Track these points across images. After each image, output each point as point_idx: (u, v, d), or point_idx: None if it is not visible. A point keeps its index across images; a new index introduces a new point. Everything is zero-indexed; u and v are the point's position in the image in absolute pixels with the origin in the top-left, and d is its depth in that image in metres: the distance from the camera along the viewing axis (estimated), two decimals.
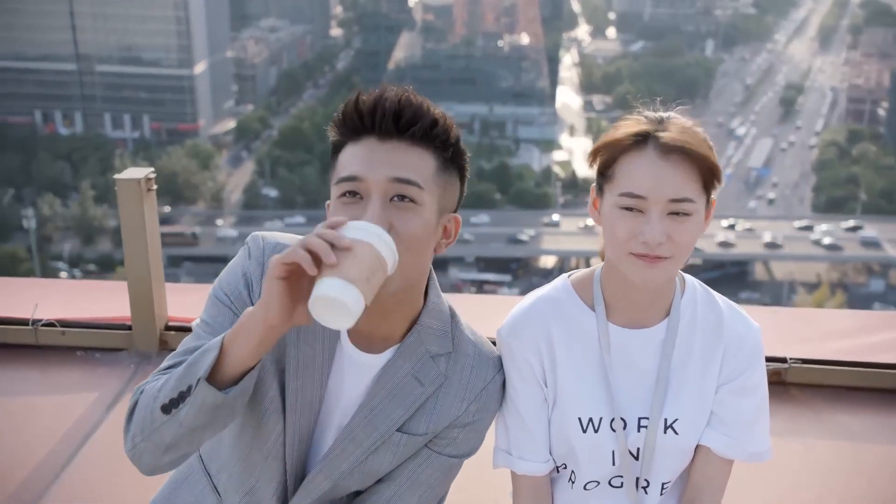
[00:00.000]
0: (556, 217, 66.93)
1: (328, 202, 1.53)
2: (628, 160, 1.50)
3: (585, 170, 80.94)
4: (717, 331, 1.64)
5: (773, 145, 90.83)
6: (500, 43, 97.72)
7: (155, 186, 2.65)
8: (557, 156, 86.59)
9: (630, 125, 1.56)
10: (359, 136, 1.47)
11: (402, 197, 1.43)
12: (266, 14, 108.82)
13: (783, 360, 2.75)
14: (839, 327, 3.09)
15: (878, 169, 72.84)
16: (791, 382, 2.75)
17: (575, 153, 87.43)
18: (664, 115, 1.57)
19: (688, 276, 1.71)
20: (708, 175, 1.51)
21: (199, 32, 79.81)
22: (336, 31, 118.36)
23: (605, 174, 1.56)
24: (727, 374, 1.64)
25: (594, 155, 1.62)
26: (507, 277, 61.05)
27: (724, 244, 59.59)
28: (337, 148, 1.51)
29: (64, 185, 60.28)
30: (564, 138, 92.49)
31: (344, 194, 1.44)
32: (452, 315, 1.65)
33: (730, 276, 61.63)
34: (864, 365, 2.77)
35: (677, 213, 1.45)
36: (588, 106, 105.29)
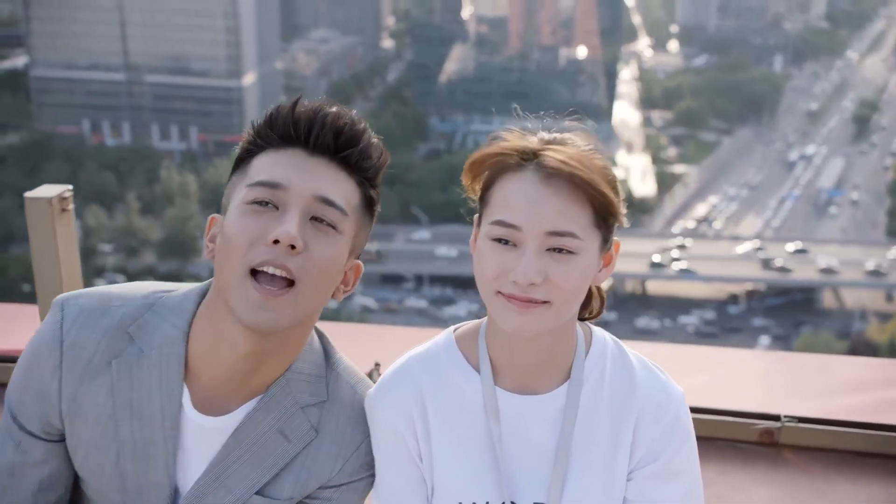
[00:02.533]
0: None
1: (213, 215, 1.40)
2: (505, 183, 1.31)
3: (644, 189, 79.38)
4: (628, 398, 1.39)
5: (844, 165, 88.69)
6: (557, 56, 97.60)
7: (71, 206, 2.50)
8: (614, 173, 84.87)
9: (512, 141, 1.36)
10: (284, 145, 1.36)
11: (322, 219, 1.32)
12: (317, 25, 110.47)
13: (776, 418, 2.47)
14: (851, 379, 2.78)
15: None
16: (785, 444, 2.46)
17: (632, 171, 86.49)
18: (556, 134, 1.38)
19: (598, 331, 1.46)
20: (601, 209, 1.29)
21: (249, 43, 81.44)
22: (387, 43, 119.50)
23: (483, 199, 1.37)
24: (644, 455, 1.38)
25: (469, 175, 1.40)
26: None
27: (790, 269, 58.14)
28: (250, 153, 1.39)
29: (110, 195, 61.75)
30: (621, 156, 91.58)
31: (256, 202, 1.31)
32: (328, 355, 1.47)
33: (795, 303, 60.03)
34: (873, 426, 2.46)
35: (558, 250, 1.25)
36: (647, 122, 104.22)
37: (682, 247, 63.63)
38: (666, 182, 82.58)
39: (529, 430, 1.35)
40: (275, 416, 1.38)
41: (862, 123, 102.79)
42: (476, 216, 1.39)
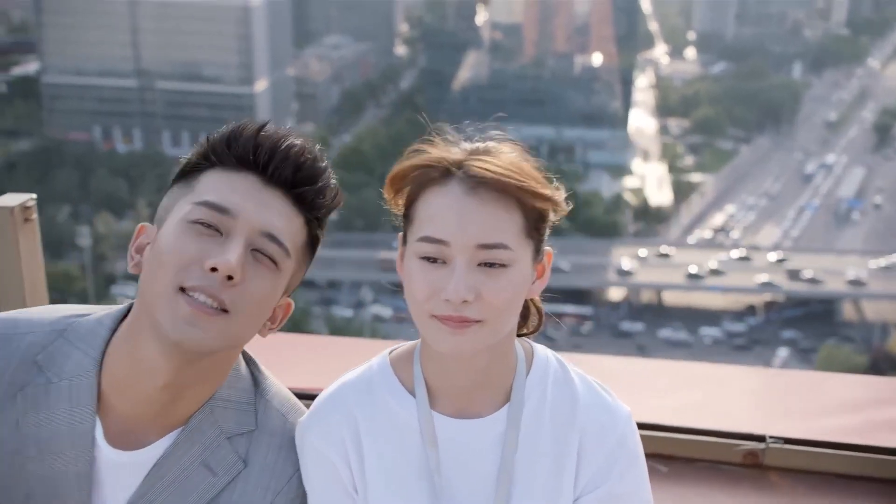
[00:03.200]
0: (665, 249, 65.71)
1: (142, 224, 1.35)
2: (429, 197, 1.25)
3: (661, 198, 78.94)
4: (570, 419, 1.33)
5: (865, 174, 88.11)
6: (572, 63, 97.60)
7: (35, 215, 2.46)
8: (629, 182, 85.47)
9: (434, 153, 1.29)
10: (239, 168, 1.31)
11: (263, 253, 1.27)
12: (329, 31, 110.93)
13: (761, 439, 2.40)
14: (843, 398, 2.71)
15: None
16: (770, 466, 2.39)
17: (648, 180, 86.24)
18: (480, 144, 1.31)
19: (539, 348, 1.39)
20: (534, 217, 1.24)
21: (261, 49, 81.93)
22: (400, 50, 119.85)
23: (407, 216, 1.30)
24: (589, 480, 1.32)
25: (391, 190, 1.33)
26: (587, 310, 59.86)
27: (810, 280, 57.71)
28: (199, 167, 1.33)
29: (120, 202, 62.17)
30: (637, 164, 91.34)
31: (200, 222, 1.25)
32: (256, 381, 1.39)
33: (814, 314, 59.53)
34: (862, 448, 2.39)
35: (490, 264, 1.19)
36: (664, 130, 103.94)
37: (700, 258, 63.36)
38: (682, 191, 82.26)
39: (469, 456, 1.30)
40: (198, 447, 1.30)
41: (883, 132, 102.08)
42: (401, 234, 1.33)
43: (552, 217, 1.29)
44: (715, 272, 59.92)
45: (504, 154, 1.28)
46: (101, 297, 53.32)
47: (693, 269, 60.12)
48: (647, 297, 61.22)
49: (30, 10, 76.12)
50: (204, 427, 1.32)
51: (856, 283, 58.52)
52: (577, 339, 54.90)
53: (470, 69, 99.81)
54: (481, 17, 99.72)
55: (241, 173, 1.28)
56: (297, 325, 52.99)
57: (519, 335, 1.39)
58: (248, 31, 79.26)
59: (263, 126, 1.32)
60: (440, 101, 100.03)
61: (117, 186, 63.26)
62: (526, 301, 1.34)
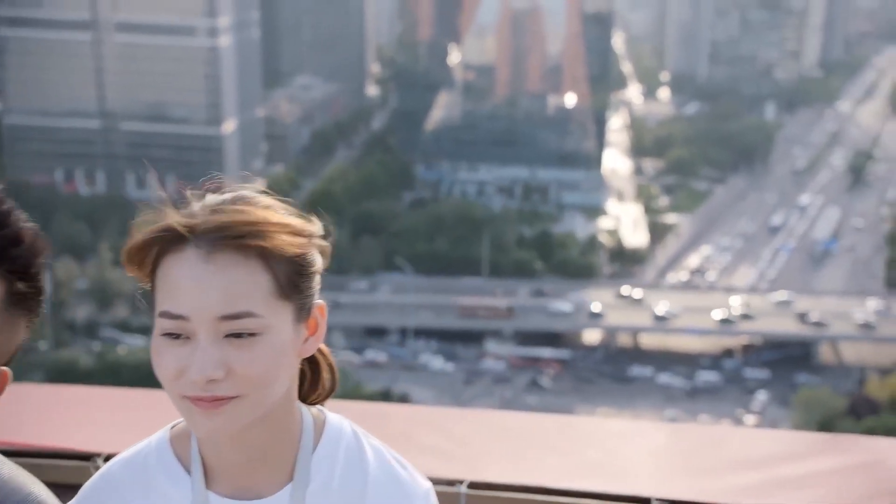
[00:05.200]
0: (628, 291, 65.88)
1: None
2: (166, 268, 1.13)
3: (636, 239, 79.14)
4: (360, 498, 1.23)
5: (840, 215, 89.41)
6: (545, 103, 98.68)
7: None
8: (604, 223, 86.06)
9: (167, 217, 1.16)
10: None
11: None
12: (299, 71, 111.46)
13: (646, 501, 2.36)
14: (751, 454, 2.68)
15: None
16: None
17: (623, 221, 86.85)
18: (218, 198, 1.18)
19: (333, 418, 1.28)
20: (287, 274, 1.12)
21: (230, 90, 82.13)
22: (372, 90, 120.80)
23: (151, 288, 1.18)
24: None
25: (131, 265, 1.19)
26: (564, 353, 61.14)
27: (785, 320, 58.08)
28: None
29: (82, 247, 61.58)
30: (612, 204, 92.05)
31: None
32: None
33: (792, 358, 59.84)
34: None
35: (237, 335, 1.09)
36: (638, 170, 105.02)
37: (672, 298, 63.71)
38: (658, 232, 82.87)
39: None
40: None
41: (857, 173, 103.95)
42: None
43: (318, 264, 1.18)
44: (691, 314, 60.24)
45: (248, 207, 1.15)
46: (61, 345, 52.51)
47: (668, 312, 60.40)
48: (623, 340, 61.34)
49: None
50: None
51: (830, 325, 59.06)
52: (560, 384, 54.79)
53: (442, 109, 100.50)
54: (454, 58, 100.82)
55: None
56: None
57: (312, 402, 1.29)
58: (216, 71, 79.51)
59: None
60: (412, 142, 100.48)
61: (79, 231, 62.71)
62: (315, 361, 1.26)
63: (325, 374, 1.30)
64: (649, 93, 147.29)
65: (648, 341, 60.85)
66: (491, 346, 59.95)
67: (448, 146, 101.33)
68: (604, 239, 78.82)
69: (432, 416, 3.34)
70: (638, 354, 59.18)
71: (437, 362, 57.82)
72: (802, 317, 59.64)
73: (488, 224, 73.42)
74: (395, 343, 60.82)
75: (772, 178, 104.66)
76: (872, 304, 61.65)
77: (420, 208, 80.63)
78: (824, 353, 59.29)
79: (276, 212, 1.16)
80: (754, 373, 56.07)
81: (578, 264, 70.91)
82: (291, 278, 1.13)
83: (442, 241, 71.80)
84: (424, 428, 2.69)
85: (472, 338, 60.53)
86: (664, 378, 55.62)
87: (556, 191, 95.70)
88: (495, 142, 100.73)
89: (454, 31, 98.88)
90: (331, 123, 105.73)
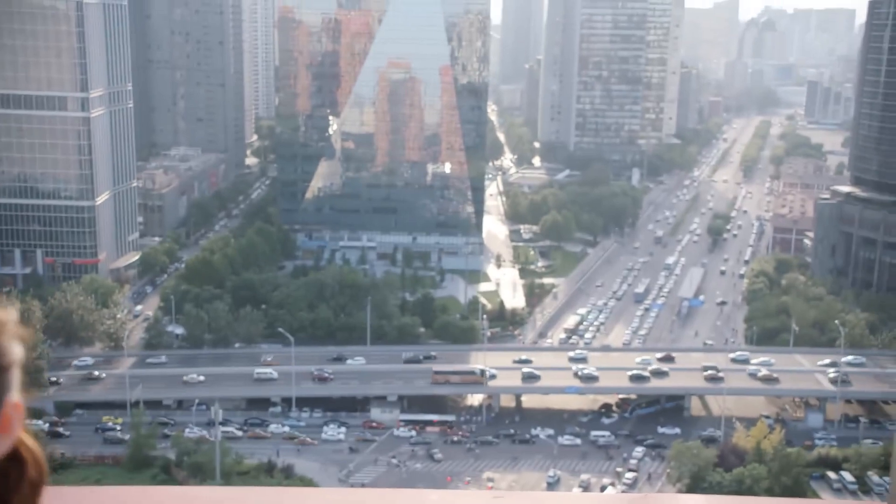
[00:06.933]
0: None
1: None
2: None
3: (515, 301, 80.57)
4: None
5: (703, 275, 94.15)
6: (425, 171, 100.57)
7: None
8: (484, 287, 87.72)
9: None
10: None
11: None
12: (176, 143, 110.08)
13: None
14: None
15: (808, 300, 75.82)
16: None
17: (502, 284, 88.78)
18: None
19: None
20: None
21: (103, 162, 79.82)
22: (251, 160, 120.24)
23: None
24: None
25: None
26: (450, 417, 58.66)
27: (657, 376, 60.24)
28: None
29: None
30: (491, 269, 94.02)
31: None
32: None
33: (665, 411, 62.08)
34: None
35: None
36: (515, 235, 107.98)
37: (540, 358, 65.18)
38: (536, 294, 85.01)
39: None
40: None
41: (716, 234, 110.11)
42: None
43: (13, 355, 1.15)
44: (569, 373, 61.74)
45: None
46: None
47: (548, 372, 61.73)
48: (505, 401, 62.10)
49: None
50: None
51: (698, 378, 61.67)
52: (452, 448, 54.61)
53: (322, 179, 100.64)
54: (332, 128, 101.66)
55: None
56: (140, 449, 50.09)
57: (18, 501, 1.23)
58: (90, 143, 77.33)
59: None
60: (293, 211, 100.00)
61: None
62: (19, 458, 1.20)
63: (33, 472, 1.24)
64: (523, 160, 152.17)
65: (530, 401, 61.85)
66: (376, 412, 59.45)
67: (329, 214, 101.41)
68: (485, 302, 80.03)
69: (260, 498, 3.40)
70: (520, 414, 59.97)
71: (323, 432, 56.81)
72: (672, 372, 62.01)
73: (371, 291, 73.37)
74: (279, 414, 59.42)
75: (640, 241, 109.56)
76: (735, 357, 64.79)
77: (302, 277, 79.92)
78: (694, 407, 61.70)
79: None
80: (629, 428, 57.72)
81: (460, 328, 71.75)
82: None
83: (324, 310, 71.22)
84: None
85: (357, 405, 59.92)
86: (544, 437, 56.51)
87: (437, 256, 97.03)
88: (376, 209, 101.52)
89: (333, 103, 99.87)
90: (210, 194, 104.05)
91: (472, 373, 60.52)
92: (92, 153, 77.24)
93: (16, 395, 1.11)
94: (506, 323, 78.36)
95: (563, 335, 77.12)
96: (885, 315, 73.02)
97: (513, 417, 59.62)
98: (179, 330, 69.26)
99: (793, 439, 53.58)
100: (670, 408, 60.74)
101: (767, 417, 57.50)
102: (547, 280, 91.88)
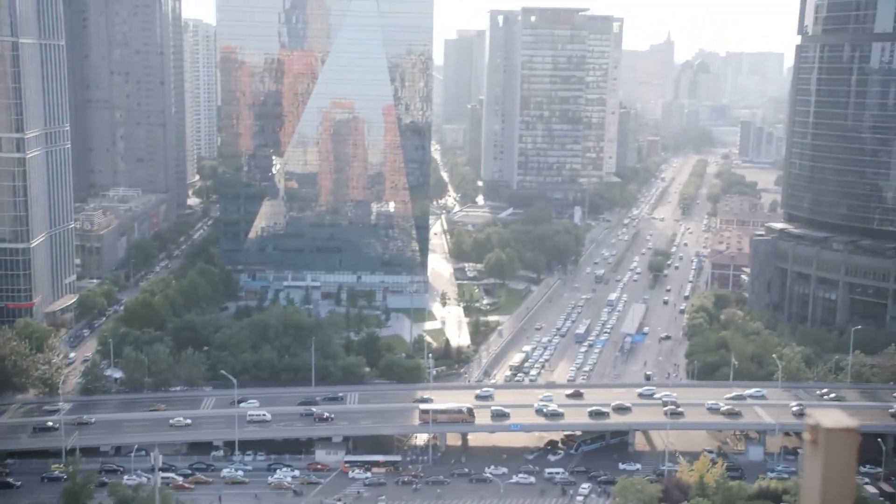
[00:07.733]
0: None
1: None
2: None
3: (460, 339, 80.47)
4: None
5: (645, 311, 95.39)
6: (369, 210, 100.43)
7: None
8: (430, 325, 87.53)
9: None
10: None
11: None
12: (116, 183, 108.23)
13: None
14: None
15: (746, 334, 77.37)
16: None
17: (448, 322, 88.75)
18: None
19: None
20: None
21: (39, 203, 78.06)
22: (193, 200, 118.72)
23: None
24: None
25: None
26: (395, 457, 57.87)
27: (600, 414, 60.58)
28: None
29: None
30: (437, 307, 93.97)
31: None
32: None
33: (610, 447, 62.32)
34: None
35: None
36: (460, 273, 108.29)
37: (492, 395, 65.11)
38: (481, 332, 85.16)
39: None
40: None
41: (656, 270, 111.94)
42: None
43: None
44: (514, 410, 61.73)
45: None
46: None
47: (494, 410, 61.63)
48: (452, 438, 61.77)
49: None
50: None
51: (642, 414, 62.17)
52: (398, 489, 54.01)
53: (266, 218, 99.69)
54: (275, 167, 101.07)
55: None
56: (76, 499, 48.35)
57: None
58: (25, 184, 75.68)
59: None
60: (235, 251, 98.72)
61: None
62: None
63: None
64: (466, 199, 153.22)
65: (475, 439, 61.65)
66: (321, 454, 58.57)
67: (273, 254, 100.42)
68: (430, 341, 79.80)
69: None
70: (467, 453, 59.71)
71: (266, 475, 55.67)
72: (616, 408, 62.42)
73: (315, 330, 72.62)
74: (221, 458, 58.10)
75: (582, 278, 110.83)
76: (675, 392, 65.58)
77: (245, 317, 78.69)
78: (639, 442, 62.14)
79: None
80: (575, 464, 57.81)
81: (406, 367, 71.34)
82: None
83: (268, 350, 70.24)
84: None
85: (302, 447, 58.93)
86: (491, 475, 56.25)
87: (382, 295, 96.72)
88: (320, 248, 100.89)
89: (276, 143, 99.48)
90: (150, 234, 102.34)
91: (459, 411, 60.27)
92: (27, 194, 75.65)
93: None
94: (451, 361, 78.24)
95: (508, 372, 77.22)
96: (820, 348, 74.87)
97: (458, 457, 59.31)
98: (118, 374, 67.52)
99: (736, 471, 54.44)
100: (615, 444, 61.08)
101: (710, 452, 58.13)
102: (492, 318, 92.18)
